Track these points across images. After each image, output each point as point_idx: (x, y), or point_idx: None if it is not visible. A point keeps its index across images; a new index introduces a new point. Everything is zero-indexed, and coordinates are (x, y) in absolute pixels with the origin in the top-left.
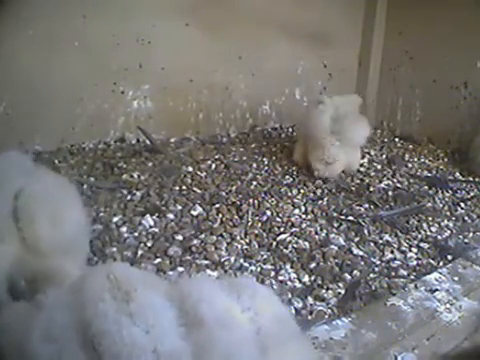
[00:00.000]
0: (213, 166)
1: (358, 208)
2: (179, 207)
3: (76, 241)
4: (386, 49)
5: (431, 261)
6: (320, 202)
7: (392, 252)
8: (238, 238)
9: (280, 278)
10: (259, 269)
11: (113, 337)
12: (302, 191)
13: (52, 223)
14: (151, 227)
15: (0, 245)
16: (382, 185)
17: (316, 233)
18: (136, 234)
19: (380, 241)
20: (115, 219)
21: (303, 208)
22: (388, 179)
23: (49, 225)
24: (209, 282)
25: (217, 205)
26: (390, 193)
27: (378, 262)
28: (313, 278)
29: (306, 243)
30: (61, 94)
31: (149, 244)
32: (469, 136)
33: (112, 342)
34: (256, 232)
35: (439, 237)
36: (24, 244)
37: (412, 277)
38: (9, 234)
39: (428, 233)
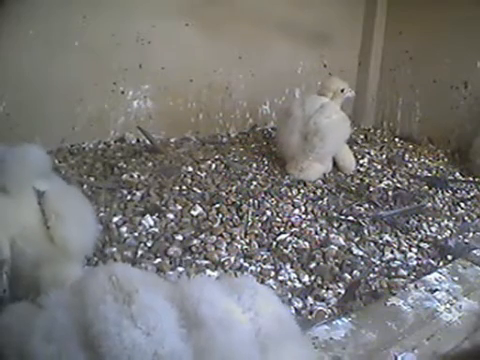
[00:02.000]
0: (213, 166)
1: (358, 208)
2: (179, 207)
3: (89, 246)
4: (386, 49)
5: (431, 261)
6: (320, 202)
7: (392, 252)
8: (238, 238)
9: (280, 278)
10: (259, 269)
11: (114, 339)
12: (302, 191)
13: (78, 228)
14: (151, 227)
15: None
16: (382, 185)
17: (316, 233)
18: (136, 234)
19: (380, 241)
20: (115, 219)
21: (303, 208)
22: (388, 179)
23: (76, 229)
24: (209, 283)
25: (217, 205)
26: (390, 193)
27: (378, 262)
28: (313, 278)
29: (306, 243)
30: (61, 94)
31: (149, 244)
32: (469, 136)
33: (112, 344)
34: (256, 232)
35: (439, 237)
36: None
37: (412, 277)
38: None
39: (428, 233)
